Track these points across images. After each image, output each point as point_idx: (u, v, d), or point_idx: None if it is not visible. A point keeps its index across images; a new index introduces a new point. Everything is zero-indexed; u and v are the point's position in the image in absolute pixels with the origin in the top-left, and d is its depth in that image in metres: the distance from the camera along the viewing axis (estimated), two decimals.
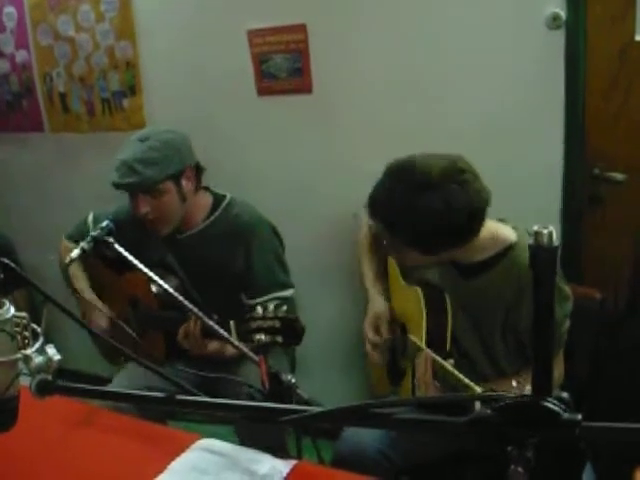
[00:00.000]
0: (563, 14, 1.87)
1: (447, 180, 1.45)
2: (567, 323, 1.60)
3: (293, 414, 0.76)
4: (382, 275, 1.95)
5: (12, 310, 0.93)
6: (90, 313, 2.10)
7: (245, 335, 1.45)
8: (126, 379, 2.02)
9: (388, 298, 1.90)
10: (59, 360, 0.91)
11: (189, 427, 1.76)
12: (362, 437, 1.68)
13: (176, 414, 2.01)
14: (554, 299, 0.59)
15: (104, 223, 1.82)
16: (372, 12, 2.14)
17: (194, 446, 1.28)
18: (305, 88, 2.32)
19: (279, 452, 1.28)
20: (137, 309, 2.10)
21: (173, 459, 1.23)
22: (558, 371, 1.63)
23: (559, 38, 1.91)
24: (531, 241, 0.58)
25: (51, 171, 3.06)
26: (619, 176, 1.97)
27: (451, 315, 1.63)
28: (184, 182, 1.97)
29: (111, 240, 1.75)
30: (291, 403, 1.22)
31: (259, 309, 1.45)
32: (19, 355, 0.91)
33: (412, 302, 1.69)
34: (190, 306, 1.50)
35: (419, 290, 1.67)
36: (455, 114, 2.10)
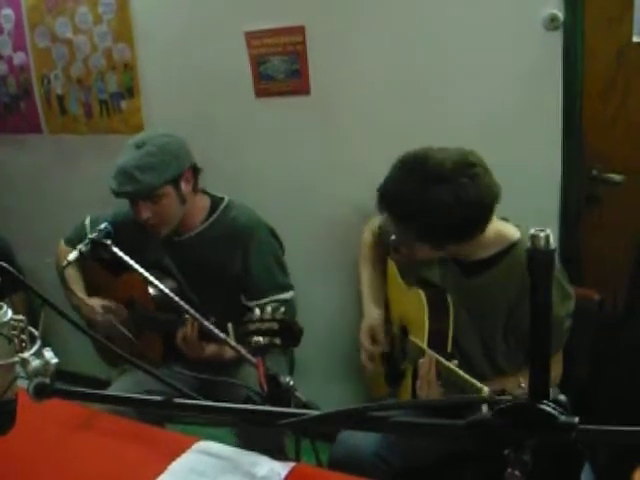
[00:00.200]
0: (561, 15, 1.87)
1: (459, 173, 1.46)
2: (568, 322, 1.60)
3: (291, 417, 0.76)
4: (380, 283, 1.95)
5: (10, 313, 0.93)
6: (83, 308, 2.10)
7: (243, 337, 1.45)
8: (125, 382, 2.02)
9: (385, 306, 1.90)
10: (57, 363, 0.91)
11: (187, 430, 1.76)
12: (358, 440, 1.67)
13: (174, 417, 2.01)
14: (551, 302, 0.59)
15: (102, 225, 1.83)
16: (370, 14, 2.15)
17: (192, 449, 1.28)
18: (303, 90, 2.32)
19: (277, 454, 1.28)
20: (134, 311, 2.10)
21: (171, 462, 1.23)
22: (555, 371, 1.63)
23: (557, 39, 1.91)
24: (528, 244, 0.58)
25: (49, 173, 3.06)
26: (617, 177, 1.98)
27: (453, 316, 1.63)
28: (183, 185, 1.97)
29: (109, 242, 1.75)
30: (289, 405, 1.22)
31: (257, 311, 1.45)
32: (16, 358, 0.91)
33: (414, 304, 1.68)
34: (186, 307, 1.50)
35: (421, 292, 1.67)
36: (452, 115, 2.10)
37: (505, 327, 1.62)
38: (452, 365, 1.50)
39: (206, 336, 1.76)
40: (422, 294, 1.66)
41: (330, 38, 2.23)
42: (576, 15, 1.87)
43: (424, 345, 1.60)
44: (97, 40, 2.68)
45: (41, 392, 0.88)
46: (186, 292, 2.06)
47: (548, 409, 0.59)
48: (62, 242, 2.24)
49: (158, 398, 0.89)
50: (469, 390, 1.41)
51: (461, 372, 1.46)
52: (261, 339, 1.40)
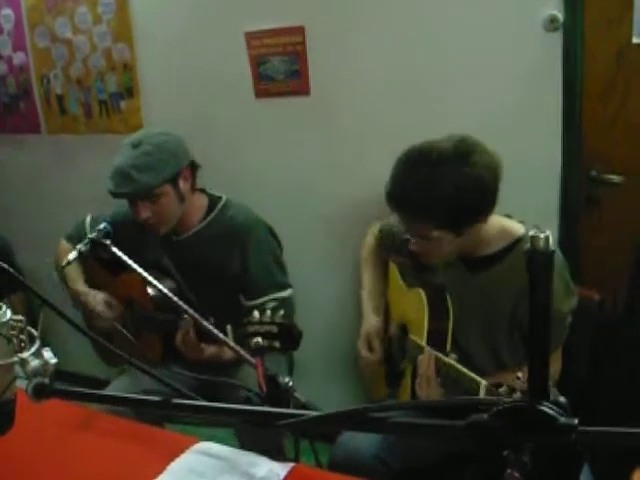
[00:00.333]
0: (560, 16, 1.87)
1: (464, 152, 1.49)
2: (570, 318, 1.61)
3: (290, 418, 0.76)
4: (380, 288, 1.95)
5: (9, 313, 0.93)
6: (85, 300, 2.10)
7: (242, 339, 1.45)
8: (123, 382, 2.02)
9: (383, 312, 1.90)
10: (56, 363, 0.91)
11: (187, 430, 1.76)
12: (358, 442, 1.67)
13: (173, 417, 2.01)
14: (550, 304, 0.59)
15: (101, 225, 1.83)
16: (370, 14, 2.15)
17: (192, 449, 1.27)
18: (302, 90, 2.32)
19: (277, 455, 1.28)
20: (132, 310, 2.10)
21: (170, 462, 1.22)
22: (555, 367, 1.64)
23: (556, 40, 1.91)
24: (528, 245, 0.58)
25: (48, 173, 3.06)
26: (616, 178, 1.98)
27: (453, 316, 1.62)
28: (181, 183, 1.97)
29: (108, 242, 1.75)
30: (288, 406, 1.21)
31: (256, 313, 1.45)
32: (16, 358, 0.91)
33: (414, 304, 1.68)
34: (185, 307, 1.50)
35: (422, 292, 1.67)
36: (452, 115, 2.10)
37: (510, 321, 1.63)
38: (451, 360, 1.50)
39: (205, 337, 1.76)
40: (422, 293, 1.66)
41: (330, 38, 2.23)
42: (576, 16, 1.87)
43: (423, 342, 1.61)
44: (97, 40, 2.68)
45: (40, 392, 0.88)
46: (185, 292, 2.06)
47: (548, 410, 0.59)
48: (62, 240, 2.24)
49: (157, 398, 0.89)
50: (468, 385, 1.41)
51: (459, 366, 1.46)
52: (260, 340, 1.40)
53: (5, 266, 0.95)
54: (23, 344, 0.93)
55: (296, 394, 1.24)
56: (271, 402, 1.22)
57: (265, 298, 2.00)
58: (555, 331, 1.59)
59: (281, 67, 2.32)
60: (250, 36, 2.34)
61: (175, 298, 1.53)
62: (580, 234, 2.07)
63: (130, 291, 2.07)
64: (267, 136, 2.46)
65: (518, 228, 1.64)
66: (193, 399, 1.02)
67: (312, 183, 2.43)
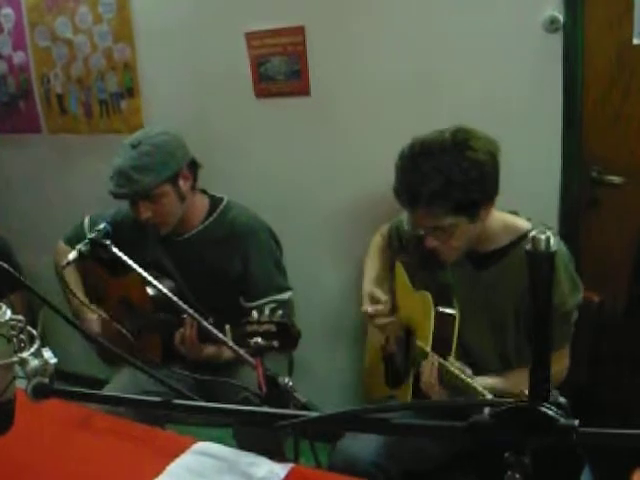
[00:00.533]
0: (561, 17, 1.87)
1: (463, 139, 1.53)
2: (576, 314, 1.62)
3: (290, 418, 0.76)
4: (385, 275, 1.94)
5: (8, 313, 0.92)
6: (83, 316, 2.09)
7: (241, 339, 1.45)
8: (122, 382, 2.02)
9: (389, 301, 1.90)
10: (55, 363, 0.91)
11: (186, 430, 1.75)
12: (356, 449, 1.65)
13: (173, 417, 2.01)
14: (552, 305, 0.59)
15: (101, 225, 1.82)
16: (370, 14, 2.15)
17: (191, 449, 1.27)
18: (303, 90, 2.32)
19: (276, 455, 1.28)
20: (132, 310, 2.10)
21: (170, 462, 1.22)
22: (562, 365, 1.65)
23: (557, 41, 1.91)
24: (529, 246, 0.58)
25: (48, 172, 3.05)
26: (617, 179, 1.98)
27: (458, 319, 1.61)
28: (181, 182, 1.97)
29: (108, 242, 1.74)
30: (288, 406, 1.21)
31: (254, 313, 1.44)
32: (15, 358, 0.90)
33: (420, 307, 1.68)
34: (184, 307, 1.50)
35: (429, 295, 1.66)
36: (452, 115, 2.08)
37: (518, 317, 1.63)
38: (455, 369, 1.50)
39: (204, 337, 1.76)
40: (429, 297, 1.66)
41: (330, 38, 2.23)
42: (576, 17, 1.87)
43: (428, 348, 1.60)
44: (97, 40, 2.68)
45: (40, 392, 0.88)
46: (184, 292, 2.06)
47: (548, 412, 0.59)
48: (60, 242, 2.23)
49: (156, 399, 0.89)
50: (468, 393, 1.41)
51: (463, 376, 1.46)
52: (260, 340, 1.39)
53: (5, 266, 0.95)
54: (23, 344, 0.93)
55: (296, 394, 1.24)
56: (271, 402, 1.22)
57: (264, 300, 2.00)
58: (561, 328, 1.59)
59: (281, 67, 2.32)
60: (250, 36, 2.34)
61: (175, 298, 1.53)
62: (580, 234, 2.07)
63: (129, 291, 2.07)
64: (267, 136, 2.46)
65: (524, 223, 1.65)
66: (193, 399, 1.02)
67: (312, 183, 2.43)
